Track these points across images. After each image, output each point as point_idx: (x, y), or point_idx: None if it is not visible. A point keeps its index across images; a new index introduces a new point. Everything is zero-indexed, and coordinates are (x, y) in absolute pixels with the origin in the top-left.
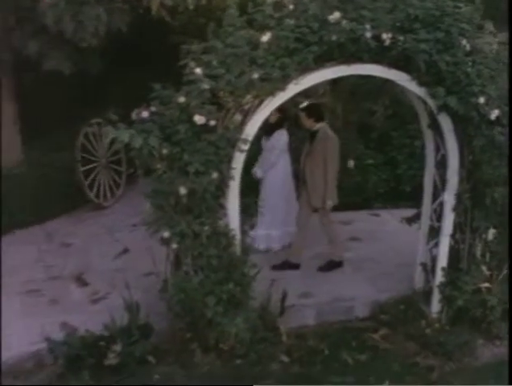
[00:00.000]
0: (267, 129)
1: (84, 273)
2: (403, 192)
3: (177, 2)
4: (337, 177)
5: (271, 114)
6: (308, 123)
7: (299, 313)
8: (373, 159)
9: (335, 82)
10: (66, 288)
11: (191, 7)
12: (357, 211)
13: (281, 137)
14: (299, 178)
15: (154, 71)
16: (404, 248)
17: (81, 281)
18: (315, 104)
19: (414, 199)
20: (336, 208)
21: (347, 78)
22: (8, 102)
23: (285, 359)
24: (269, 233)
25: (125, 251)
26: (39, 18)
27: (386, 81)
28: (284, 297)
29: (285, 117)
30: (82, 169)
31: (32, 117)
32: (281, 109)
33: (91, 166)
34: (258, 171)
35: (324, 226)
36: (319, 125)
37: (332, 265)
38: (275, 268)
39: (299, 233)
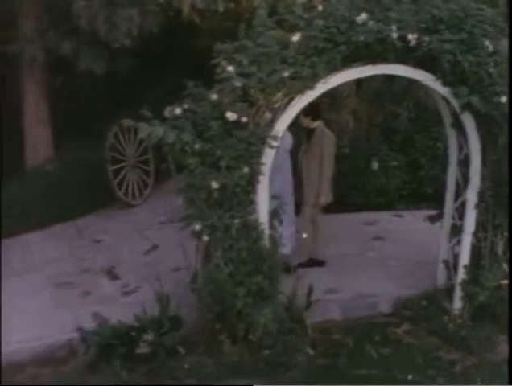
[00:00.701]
0: None
1: (114, 267)
2: (426, 194)
3: (207, 5)
4: (333, 174)
5: None
6: (306, 121)
7: (325, 308)
8: (397, 161)
9: (360, 85)
10: (97, 281)
11: (220, 10)
12: (380, 212)
13: (285, 138)
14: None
15: (183, 72)
16: (426, 247)
17: (112, 275)
18: (312, 103)
19: (437, 200)
20: (360, 209)
21: (371, 81)
22: (40, 101)
23: (310, 351)
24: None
25: (154, 247)
26: (72, 20)
27: (410, 85)
28: (310, 291)
29: None
30: (112, 168)
31: (64, 116)
32: None
33: (120, 165)
34: None
35: (313, 223)
36: (316, 124)
37: (313, 263)
38: (302, 266)
39: (309, 231)
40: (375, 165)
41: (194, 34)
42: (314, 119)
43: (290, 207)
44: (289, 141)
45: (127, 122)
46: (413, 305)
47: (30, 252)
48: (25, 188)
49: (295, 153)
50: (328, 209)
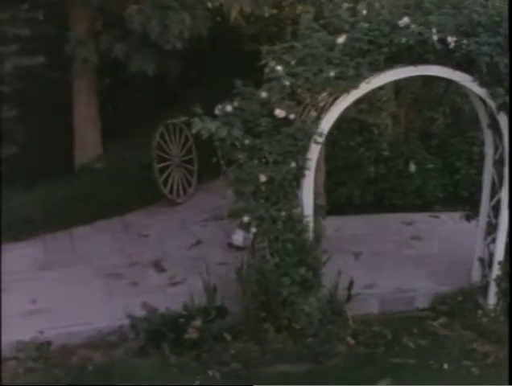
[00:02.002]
0: None
1: (160, 260)
2: (461, 197)
3: (254, 9)
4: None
5: None
6: None
7: (364, 301)
8: (434, 164)
9: (399, 91)
10: (144, 273)
11: (266, 15)
12: (417, 213)
13: None
14: None
15: (228, 76)
16: (462, 247)
17: (159, 267)
18: None
19: (472, 203)
20: (397, 210)
21: (410, 87)
22: (90, 101)
23: (351, 341)
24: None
25: (198, 242)
26: (125, 23)
27: (446, 91)
28: (351, 285)
29: None
30: (158, 166)
31: (112, 116)
32: None
33: (165, 164)
34: None
35: None
36: None
37: None
38: None
39: None
40: (412, 167)
41: (239, 39)
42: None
43: None
44: None
45: (172, 122)
46: (449, 300)
47: (79, 245)
48: (74, 185)
49: None
50: (367, 210)
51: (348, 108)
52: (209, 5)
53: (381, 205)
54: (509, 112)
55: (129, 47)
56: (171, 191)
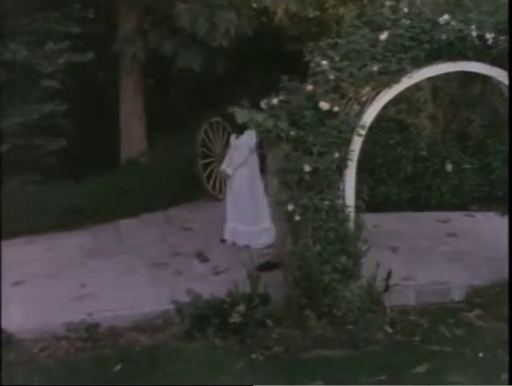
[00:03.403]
0: (236, 128)
1: (204, 251)
2: (497, 197)
3: (299, 9)
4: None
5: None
6: None
7: (401, 293)
8: (470, 164)
9: (436, 92)
10: (188, 262)
11: (310, 15)
12: (453, 212)
13: (250, 136)
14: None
15: (270, 75)
16: (496, 245)
17: (202, 257)
18: None
19: (507, 203)
20: (433, 208)
21: (447, 88)
22: (136, 98)
23: (389, 329)
24: (235, 227)
25: None
26: (173, 21)
27: (483, 92)
28: (389, 276)
29: None
30: (201, 162)
31: (158, 113)
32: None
33: (209, 160)
34: (227, 169)
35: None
36: None
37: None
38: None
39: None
40: (449, 167)
41: (282, 40)
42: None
43: (258, 203)
44: (253, 139)
45: (216, 120)
46: (483, 293)
47: (125, 237)
48: (120, 178)
49: (263, 153)
50: (403, 208)
51: (387, 108)
52: (254, 5)
53: (417, 203)
54: (509, 111)
55: (176, 44)
56: (213, 187)
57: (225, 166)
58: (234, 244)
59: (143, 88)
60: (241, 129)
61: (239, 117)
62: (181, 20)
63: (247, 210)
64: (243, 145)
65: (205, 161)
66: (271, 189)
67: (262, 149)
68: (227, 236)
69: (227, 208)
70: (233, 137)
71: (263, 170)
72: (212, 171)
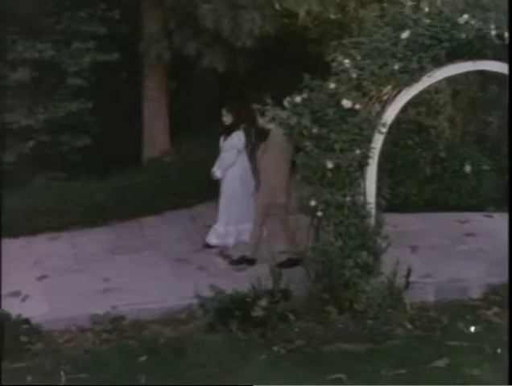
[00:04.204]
0: (224, 130)
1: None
2: None
3: (321, 9)
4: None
5: (225, 117)
6: (261, 122)
7: (421, 290)
8: (488, 166)
9: (455, 95)
10: (211, 259)
11: (332, 16)
12: (472, 213)
13: (238, 137)
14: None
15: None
16: None
17: (225, 254)
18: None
19: None
20: (452, 209)
21: (466, 91)
22: (160, 98)
23: (408, 325)
24: (227, 230)
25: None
26: (197, 21)
27: (500, 94)
28: (409, 273)
29: (239, 119)
30: None
31: (180, 113)
32: (234, 112)
33: None
34: (217, 171)
35: (282, 224)
36: (272, 124)
37: (292, 263)
38: (233, 263)
39: (255, 229)
40: (468, 168)
41: (303, 41)
42: (270, 120)
43: (245, 204)
44: (242, 140)
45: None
46: (501, 291)
47: (148, 233)
48: (143, 177)
49: (253, 153)
50: (422, 208)
51: (407, 110)
52: (277, 6)
53: (436, 204)
54: (509, 110)
55: (200, 44)
56: None
57: (215, 168)
58: (225, 246)
59: (167, 88)
60: (228, 131)
61: (267, 112)
62: (205, 20)
63: (237, 210)
64: (232, 146)
65: None
66: (263, 189)
67: (251, 149)
68: (209, 240)
69: (219, 211)
70: (221, 138)
71: (253, 170)
72: None
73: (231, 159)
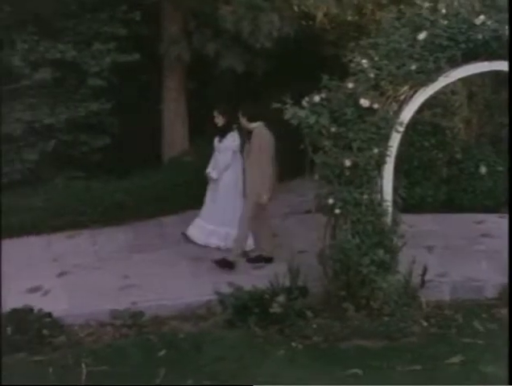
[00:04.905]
0: (219, 131)
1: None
2: None
3: (339, 12)
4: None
5: (217, 118)
6: (244, 122)
7: (436, 288)
8: (503, 167)
9: (471, 97)
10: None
11: (349, 18)
12: (487, 214)
13: (233, 138)
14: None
15: (308, 78)
16: None
17: (243, 253)
18: (249, 103)
19: None
20: (467, 210)
21: (482, 93)
22: (179, 99)
23: (424, 322)
24: (215, 230)
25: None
26: (217, 23)
27: None
28: (425, 272)
29: (231, 120)
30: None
31: (199, 113)
32: (226, 114)
33: None
34: (212, 172)
35: (261, 222)
36: (254, 125)
37: (260, 259)
38: (250, 261)
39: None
40: (483, 169)
41: (321, 43)
42: (251, 120)
43: (232, 207)
44: (237, 141)
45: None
46: None
47: (167, 232)
48: (163, 176)
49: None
50: (438, 209)
51: (423, 112)
52: (295, 8)
53: (452, 205)
54: (509, 110)
55: (220, 45)
56: None
57: (210, 170)
58: (218, 247)
59: (186, 88)
60: (223, 132)
61: (286, 113)
62: (225, 22)
63: (231, 212)
64: (227, 147)
65: None
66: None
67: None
68: (191, 233)
69: (207, 208)
70: (215, 139)
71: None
72: None
73: (227, 161)
